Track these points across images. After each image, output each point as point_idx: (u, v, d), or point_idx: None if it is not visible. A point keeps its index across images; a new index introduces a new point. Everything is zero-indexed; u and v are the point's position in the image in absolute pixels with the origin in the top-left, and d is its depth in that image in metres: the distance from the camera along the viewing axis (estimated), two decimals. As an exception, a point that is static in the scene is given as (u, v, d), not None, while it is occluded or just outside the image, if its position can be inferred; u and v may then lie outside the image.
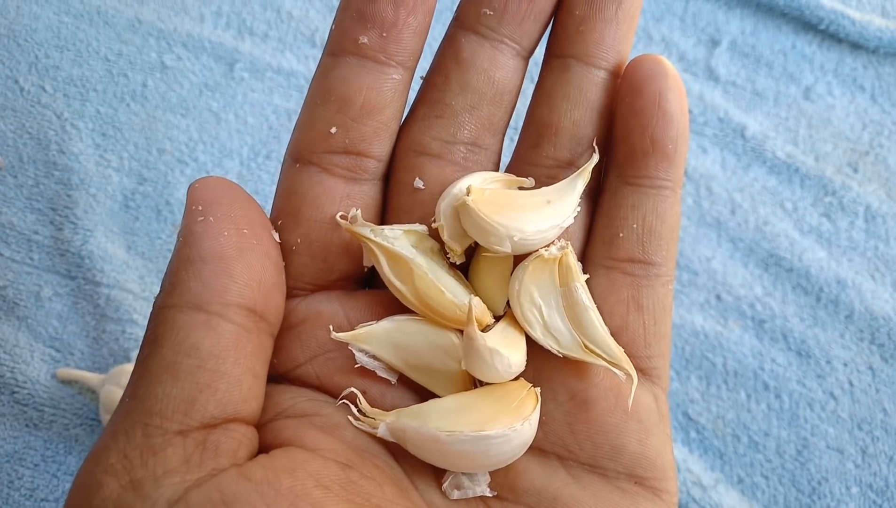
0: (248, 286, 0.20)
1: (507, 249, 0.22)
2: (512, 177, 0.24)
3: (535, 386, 0.22)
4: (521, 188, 0.24)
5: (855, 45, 0.52)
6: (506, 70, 0.23)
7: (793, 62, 0.51)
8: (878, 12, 0.53)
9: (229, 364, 0.19)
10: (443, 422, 0.21)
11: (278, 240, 0.23)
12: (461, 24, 0.23)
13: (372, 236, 0.22)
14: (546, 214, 0.22)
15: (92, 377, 0.40)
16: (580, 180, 0.23)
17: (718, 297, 0.45)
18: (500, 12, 0.23)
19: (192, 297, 0.19)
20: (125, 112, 0.47)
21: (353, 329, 0.23)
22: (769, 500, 0.41)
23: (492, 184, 0.23)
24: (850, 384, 0.43)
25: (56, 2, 0.49)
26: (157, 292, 0.20)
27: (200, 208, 0.20)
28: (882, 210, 0.47)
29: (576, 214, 0.23)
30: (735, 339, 0.44)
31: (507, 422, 0.21)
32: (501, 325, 0.23)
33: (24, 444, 0.39)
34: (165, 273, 0.20)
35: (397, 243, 0.22)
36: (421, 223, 0.23)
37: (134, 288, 0.43)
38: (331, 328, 0.22)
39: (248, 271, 0.20)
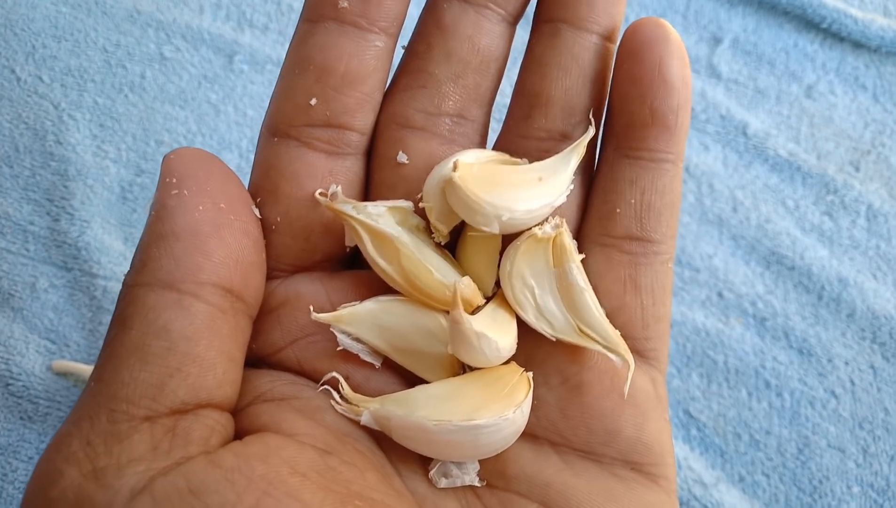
0: (223, 265, 0.19)
1: (496, 229, 0.21)
2: (505, 156, 0.23)
3: (526, 370, 0.22)
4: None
5: (857, 44, 0.52)
6: (491, 36, 0.22)
7: (795, 60, 0.51)
8: (880, 11, 0.53)
9: (202, 347, 0.18)
10: (430, 411, 0.20)
11: (259, 215, 0.21)
12: None
13: (354, 214, 0.21)
14: (537, 192, 0.21)
15: (88, 370, 0.40)
16: (574, 156, 0.22)
17: (720, 294, 0.45)
18: None
19: (163, 275, 0.18)
20: (123, 103, 0.46)
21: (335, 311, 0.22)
22: (770, 499, 0.41)
23: (486, 158, 0.22)
24: (852, 382, 0.43)
25: (54, -9, 0.49)
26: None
27: (175, 180, 0.19)
28: (884, 209, 0.47)
29: (569, 191, 0.22)
30: (736, 337, 0.44)
31: (498, 410, 0.20)
32: (491, 307, 0.22)
33: (18, 437, 0.39)
34: (136, 249, 0.19)
35: (381, 221, 0.21)
36: (405, 199, 0.22)
37: (131, 280, 0.42)
38: (311, 308, 0.21)
39: (225, 248, 0.19)
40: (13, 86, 0.46)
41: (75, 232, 0.43)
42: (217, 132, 0.46)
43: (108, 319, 0.41)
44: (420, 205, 0.22)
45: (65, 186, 0.44)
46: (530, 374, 0.22)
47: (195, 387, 0.18)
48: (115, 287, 0.42)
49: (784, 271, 0.45)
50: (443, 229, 0.22)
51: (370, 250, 0.21)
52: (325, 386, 0.21)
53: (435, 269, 0.21)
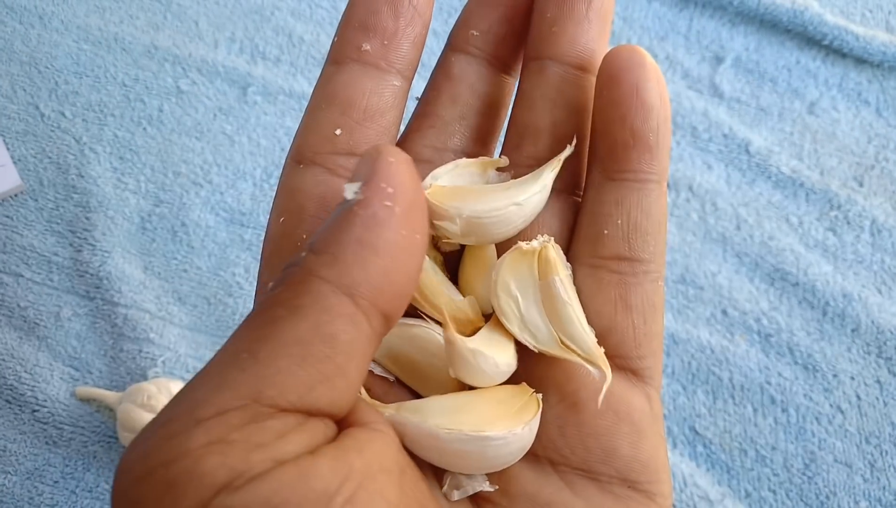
0: (396, 295, 0.19)
1: (457, 226, 0.22)
2: (486, 159, 0.24)
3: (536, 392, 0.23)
4: (498, 169, 0.24)
5: (859, 59, 0.52)
6: (492, 85, 0.25)
7: (797, 77, 0.52)
8: (882, 27, 0.53)
9: (353, 366, 0.19)
10: (443, 420, 0.21)
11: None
12: (452, 47, 0.25)
13: None
14: (503, 195, 0.22)
15: (110, 396, 0.41)
16: (548, 169, 0.23)
17: (724, 312, 0.45)
18: (485, 33, 0.24)
19: (349, 281, 0.18)
20: (142, 136, 0.48)
21: None
22: (777, 514, 0.41)
23: (466, 168, 0.24)
24: (858, 397, 0.43)
25: (75, 30, 0.51)
26: (302, 250, 0.19)
27: (390, 190, 0.19)
28: (888, 224, 0.48)
29: (540, 193, 0.23)
30: (741, 353, 0.44)
31: (507, 425, 0.21)
32: (488, 326, 0.23)
33: (44, 461, 0.40)
34: (327, 230, 0.19)
35: None
36: None
37: (150, 308, 0.44)
38: None
39: (404, 280, 0.19)
40: (37, 122, 0.48)
41: (97, 262, 0.44)
42: (232, 162, 0.48)
43: (128, 346, 0.43)
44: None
45: (87, 218, 0.45)
46: (540, 396, 0.22)
47: (334, 399, 0.19)
48: (136, 315, 0.43)
49: (788, 288, 0.46)
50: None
51: None
52: None
53: (447, 289, 0.23)
